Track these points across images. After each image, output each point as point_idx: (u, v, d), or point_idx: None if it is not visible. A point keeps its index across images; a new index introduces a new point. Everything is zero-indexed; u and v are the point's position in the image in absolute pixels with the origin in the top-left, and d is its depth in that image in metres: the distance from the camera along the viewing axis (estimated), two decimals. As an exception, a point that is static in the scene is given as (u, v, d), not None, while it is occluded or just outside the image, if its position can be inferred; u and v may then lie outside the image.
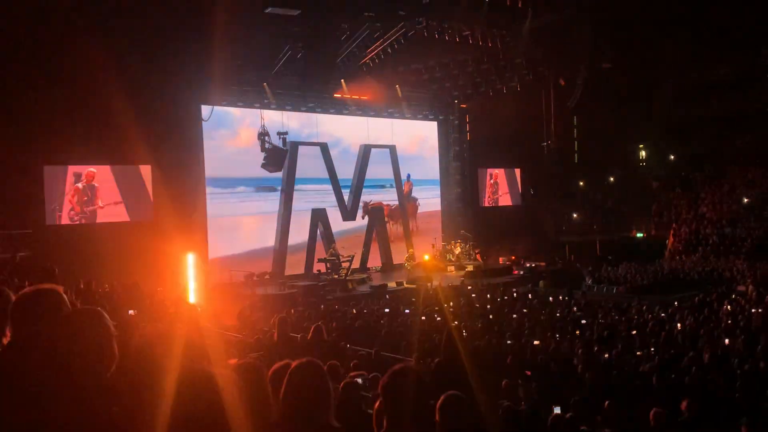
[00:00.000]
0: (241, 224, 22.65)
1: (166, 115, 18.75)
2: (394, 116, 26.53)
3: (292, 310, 14.98)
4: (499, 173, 30.47)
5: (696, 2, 21.29)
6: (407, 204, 27.35)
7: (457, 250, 25.52)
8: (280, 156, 22.23)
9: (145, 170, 20.06)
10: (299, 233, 23.56)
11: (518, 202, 30.76)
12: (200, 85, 19.93)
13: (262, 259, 22.45)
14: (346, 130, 25.57)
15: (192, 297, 15.71)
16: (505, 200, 30.57)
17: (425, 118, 27.94)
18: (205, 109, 21.08)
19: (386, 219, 26.49)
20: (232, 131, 22.72)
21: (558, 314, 14.26)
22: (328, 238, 24.08)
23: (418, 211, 27.86)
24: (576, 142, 29.18)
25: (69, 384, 1.95)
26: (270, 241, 23.08)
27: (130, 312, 9.42)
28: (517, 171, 30.86)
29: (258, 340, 10.49)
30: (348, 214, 25.23)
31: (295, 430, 2.49)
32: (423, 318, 13.35)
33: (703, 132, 29.86)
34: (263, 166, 22.06)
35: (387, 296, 18.11)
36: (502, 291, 18.48)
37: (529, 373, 8.10)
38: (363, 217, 25.39)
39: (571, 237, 29.60)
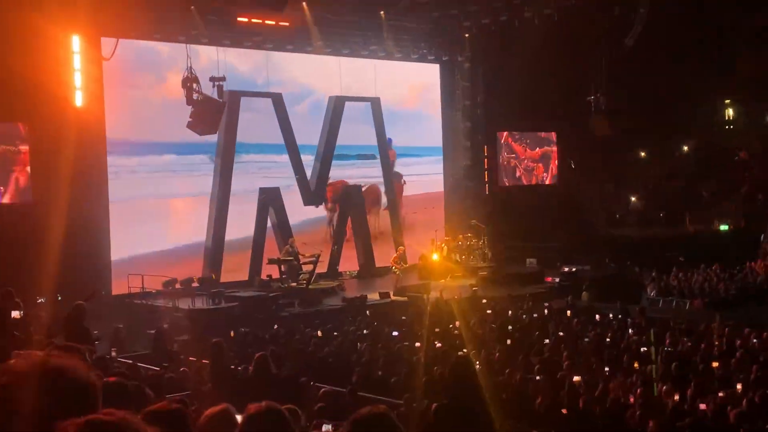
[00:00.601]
0: (158, 210, 22.46)
1: (48, 51, 18.47)
2: (377, 56, 26.39)
3: (232, 333, 14.98)
4: (527, 139, 30.50)
5: None
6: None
7: (450, 248, 25.60)
8: (213, 111, 22.06)
9: (18, 131, 19.80)
10: (241, 223, 23.43)
11: (553, 180, 30.80)
12: (101, 7, 19.62)
13: (187, 259, 22.34)
14: (309, 76, 25.37)
15: (85, 315, 15.60)
16: (535, 177, 30.61)
17: (422, 58, 27.79)
18: (107, 43, 20.79)
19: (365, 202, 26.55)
20: (153, 75, 22.50)
21: (608, 339, 14.39)
22: (284, 230, 23.99)
23: (404, 194, 27.89)
24: (635, 97, 29.19)
25: None
26: (199, 233, 22.95)
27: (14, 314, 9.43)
28: (552, 136, 30.89)
29: (183, 375, 10.47)
30: (312, 196, 25.13)
31: None
32: (418, 344, 13.43)
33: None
34: (189, 125, 21.89)
35: (367, 313, 18.20)
36: (529, 306, 18.62)
37: (566, 417, 8.17)
38: (317, 206, 25.28)
39: (627, 230, 29.77)
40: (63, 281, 17.95)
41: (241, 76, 23.61)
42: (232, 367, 10.31)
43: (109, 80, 20.97)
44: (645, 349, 13.19)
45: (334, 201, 26.02)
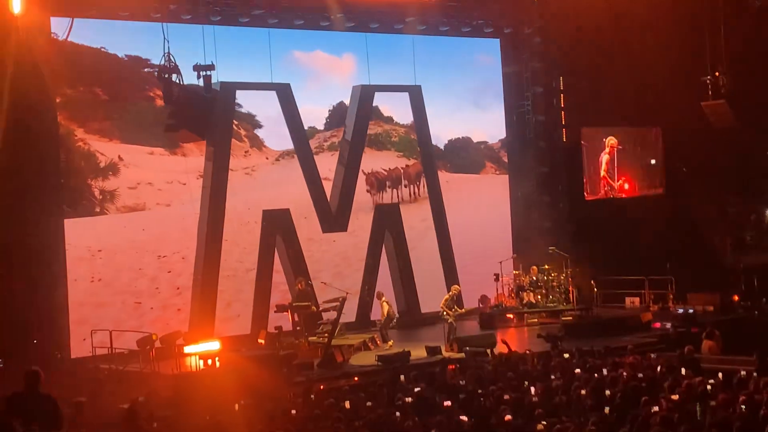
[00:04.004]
0: (129, 245, 22.69)
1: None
2: (416, 30, 26.31)
3: (236, 406, 14.92)
4: (621, 137, 30.33)
5: None
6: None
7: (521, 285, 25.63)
8: (199, 109, 22.14)
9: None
10: (240, 257, 23.62)
11: (658, 190, 30.54)
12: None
13: (167, 310, 22.57)
14: (326, 60, 25.58)
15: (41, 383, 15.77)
16: (634, 188, 30.38)
17: (476, 31, 27.78)
18: (59, 24, 21.11)
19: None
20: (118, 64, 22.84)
21: (743, 406, 14.11)
22: (297, 265, 24.10)
23: (453, 216, 27.78)
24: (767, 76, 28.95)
25: None
26: (184, 273, 23.16)
27: None
28: (656, 132, 30.67)
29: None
30: (332, 220, 25.28)
31: None
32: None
33: None
34: (168, 128, 22.12)
35: (402, 377, 17.93)
36: (632, 361, 18.43)
37: None
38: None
39: (762, 257, 29.41)
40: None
41: (234, 63, 23.73)
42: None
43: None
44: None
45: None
